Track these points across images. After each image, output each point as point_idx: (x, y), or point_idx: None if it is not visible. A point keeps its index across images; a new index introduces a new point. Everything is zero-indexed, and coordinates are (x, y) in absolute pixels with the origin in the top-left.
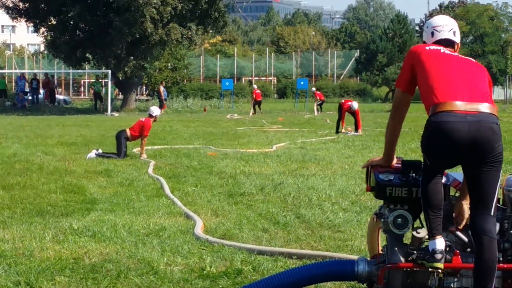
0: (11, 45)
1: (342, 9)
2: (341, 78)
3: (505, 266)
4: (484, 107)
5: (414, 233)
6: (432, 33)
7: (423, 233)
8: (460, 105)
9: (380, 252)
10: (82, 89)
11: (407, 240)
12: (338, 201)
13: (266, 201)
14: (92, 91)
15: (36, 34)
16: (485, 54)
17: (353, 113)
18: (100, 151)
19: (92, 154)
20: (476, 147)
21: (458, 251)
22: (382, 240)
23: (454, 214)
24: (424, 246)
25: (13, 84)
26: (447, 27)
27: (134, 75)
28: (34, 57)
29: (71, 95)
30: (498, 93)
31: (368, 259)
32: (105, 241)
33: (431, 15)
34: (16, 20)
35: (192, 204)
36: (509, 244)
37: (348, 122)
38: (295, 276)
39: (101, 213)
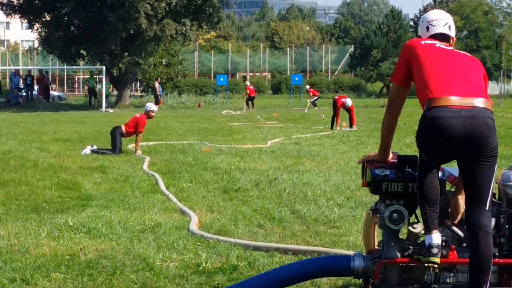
0: (5, 42)
1: (336, 4)
2: (335, 74)
3: (501, 261)
4: (479, 102)
5: (410, 228)
6: (427, 28)
7: (419, 228)
8: (455, 100)
9: (376, 247)
10: (76, 85)
11: (403, 235)
12: (333, 196)
13: (261, 197)
14: (86, 87)
15: (30, 30)
16: (479, 49)
17: (348, 109)
18: (94, 147)
19: (87, 150)
20: (471, 142)
21: (454, 246)
22: (378, 235)
23: (449, 209)
24: (420, 241)
25: (7, 80)
26: (442, 21)
27: (129, 71)
28: (28, 53)
29: (65, 91)
30: (493, 88)
31: (364, 254)
32: (100, 238)
33: (425, 10)
34: (10, 16)
35: (187, 200)
36: (505, 238)
37: (342, 118)
38: (291, 271)
39: (96, 209)
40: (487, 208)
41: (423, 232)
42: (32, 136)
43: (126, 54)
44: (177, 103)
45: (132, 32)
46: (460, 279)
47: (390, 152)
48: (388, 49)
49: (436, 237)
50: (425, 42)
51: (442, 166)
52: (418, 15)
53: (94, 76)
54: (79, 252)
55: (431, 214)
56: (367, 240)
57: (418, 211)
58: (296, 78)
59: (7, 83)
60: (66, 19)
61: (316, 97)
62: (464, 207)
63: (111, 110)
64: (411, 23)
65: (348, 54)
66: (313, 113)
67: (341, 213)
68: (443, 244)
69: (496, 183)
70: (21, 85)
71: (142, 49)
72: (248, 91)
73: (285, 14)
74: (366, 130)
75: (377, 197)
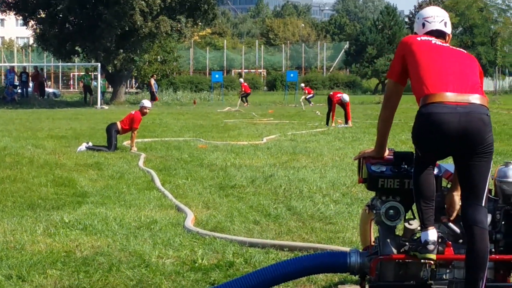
0: (0, 39)
1: (331, 1)
2: (330, 70)
3: (497, 257)
4: (475, 98)
5: (406, 224)
6: (423, 24)
7: (415, 224)
8: (450, 96)
9: (373, 243)
10: (71, 82)
11: (399, 231)
12: (329, 193)
13: (257, 194)
14: (81, 84)
15: (25, 27)
16: (474, 45)
17: (344, 105)
18: (90, 144)
19: (82, 147)
20: (467, 138)
21: (450, 242)
22: (374, 231)
23: (446, 205)
24: (416, 237)
25: (2, 77)
26: (438, 18)
27: (124, 68)
28: (24, 50)
29: (60, 88)
30: (488, 84)
31: (360, 250)
32: (96, 234)
33: (420, 6)
34: (5, 13)
35: (183, 197)
36: (501, 235)
37: (337, 115)
38: (287, 268)
39: (92, 206)
40: (483, 204)
41: (419, 228)
42: (28, 133)
43: (121, 51)
44: (173, 100)
45: (127, 29)
46: (456, 275)
47: (386, 148)
48: (383, 46)
49: (432, 234)
50: (421, 39)
51: (438, 162)
52: (413, 12)
53: (90, 73)
54: (75, 249)
55: (427, 210)
56: (363, 236)
57: (414, 207)
58: (292, 75)
59: (2, 80)
60: (61, 16)
61: (311, 95)
62: (460, 204)
63: (106, 107)
64: (406, 19)
65: (343, 50)
66: (308, 110)
67: (337, 209)
68: (439, 240)
69: (492, 179)
70: (16, 82)
71: (137, 46)
72: (243, 88)
73: (280, 10)
74: (362, 126)
75: (373, 194)
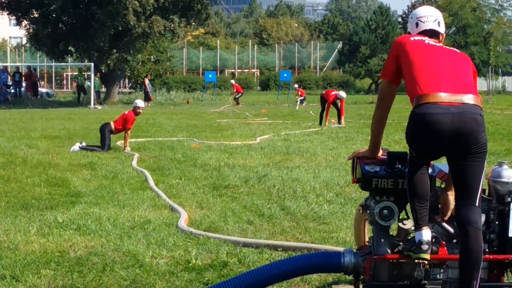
0: None
1: (324, 1)
2: (324, 70)
3: (491, 257)
4: (468, 99)
5: (400, 224)
6: (417, 24)
7: (409, 224)
8: (444, 97)
9: (367, 243)
10: (64, 82)
11: (393, 231)
12: (323, 193)
13: (250, 193)
14: (75, 84)
15: (18, 27)
16: (467, 45)
17: (339, 103)
18: (83, 144)
19: (76, 147)
20: (460, 138)
21: (444, 242)
22: (368, 231)
23: (439, 205)
24: (410, 237)
25: None
26: (432, 17)
27: (117, 68)
28: (17, 50)
29: (53, 88)
30: (481, 84)
31: (354, 250)
32: (90, 234)
33: (413, 6)
34: None
35: (177, 197)
36: (495, 235)
37: (330, 114)
38: (281, 268)
39: (85, 206)
40: (476, 204)
41: (413, 228)
42: (21, 133)
43: (115, 50)
44: (166, 100)
45: (120, 28)
46: (450, 275)
47: (380, 148)
48: (376, 46)
49: (426, 234)
50: (414, 39)
51: (432, 162)
52: (406, 12)
53: (83, 73)
54: (68, 249)
55: (421, 210)
56: (357, 236)
57: (408, 207)
58: (285, 75)
59: None
60: (54, 16)
61: (303, 98)
62: (454, 203)
63: (99, 107)
64: (399, 19)
65: (336, 50)
66: (302, 110)
67: (331, 209)
68: (433, 240)
69: (486, 179)
70: (9, 82)
71: (130, 45)
72: (235, 89)
73: (273, 10)
74: (355, 126)
75: (367, 194)
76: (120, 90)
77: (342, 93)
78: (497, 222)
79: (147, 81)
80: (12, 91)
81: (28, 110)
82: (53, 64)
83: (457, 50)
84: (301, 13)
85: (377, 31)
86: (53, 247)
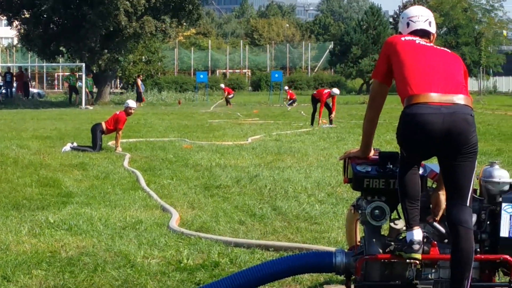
0: None
1: (315, 1)
2: (315, 70)
3: (482, 256)
4: (459, 99)
5: (392, 224)
6: (408, 24)
7: (400, 224)
8: (434, 97)
9: (358, 243)
10: (56, 82)
11: (384, 231)
12: (314, 193)
13: (242, 194)
14: (66, 85)
15: (9, 27)
16: (458, 45)
17: (331, 101)
18: (75, 144)
19: (67, 147)
20: (451, 138)
21: (435, 242)
22: (360, 231)
23: (431, 205)
24: (401, 237)
25: None
26: (423, 17)
27: (108, 68)
28: (8, 50)
29: (45, 88)
30: (472, 84)
31: (346, 250)
32: (81, 234)
33: (405, 6)
34: None
35: (168, 197)
36: (486, 234)
37: (322, 115)
38: (273, 268)
39: (77, 206)
40: (467, 204)
41: (404, 228)
42: (12, 133)
43: (106, 51)
44: (157, 100)
45: (111, 29)
46: (441, 275)
47: (372, 148)
48: (367, 46)
49: (417, 234)
50: (405, 39)
51: (423, 162)
52: (397, 12)
53: (75, 73)
54: (60, 249)
55: (412, 210)
56: (349, 236)
57: (399, 207)
58: (276, 75)
59: None
60: (45, 16)
61: (292, 100)
62: (445, 203)
63: (91, 107)
64: (391, 19)
65: (327, 51)
66: (293, 110)
67: (322, 209)
68: (425, 240)
69: (477, 179)
70: (0, 83)
71: (121, 46)
72: (226, 92)
73: (264, 11)
74: (346, 126)
75: (358, 194)
76: (111, 91)
77: (335, 90)
78: (488, 222)
79: (139, 82)
80: (3, 91)
81: (19, 111)
82: (44, 64)
83: (448, 50)
84: (293, 13)
85: (368, 32)
86: (45, 247)
